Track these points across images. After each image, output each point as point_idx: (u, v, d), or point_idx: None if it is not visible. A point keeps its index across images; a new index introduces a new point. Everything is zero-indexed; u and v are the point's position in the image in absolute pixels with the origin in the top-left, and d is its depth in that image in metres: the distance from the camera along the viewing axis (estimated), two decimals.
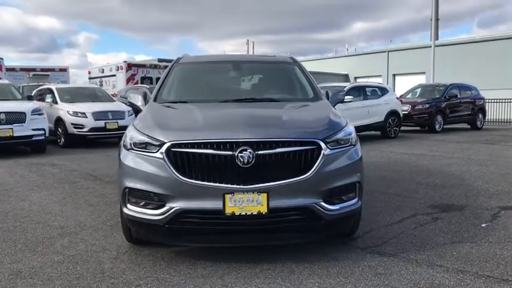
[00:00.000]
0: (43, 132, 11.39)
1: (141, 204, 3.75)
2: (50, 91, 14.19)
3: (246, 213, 3.52)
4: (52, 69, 20.93)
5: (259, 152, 3.53)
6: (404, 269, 3.65)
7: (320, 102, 4.77)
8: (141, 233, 3.97)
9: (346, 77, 40.94)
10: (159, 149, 3.63)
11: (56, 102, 13.53)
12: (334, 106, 5.25)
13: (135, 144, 3.81)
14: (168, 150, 3.60)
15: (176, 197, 3.58)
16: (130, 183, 3.77)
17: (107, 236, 4.62)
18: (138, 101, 5.16)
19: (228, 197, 3.50)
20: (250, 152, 3.50)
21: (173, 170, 3.56)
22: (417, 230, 4.70)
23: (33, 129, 11.19)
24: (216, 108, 4.48)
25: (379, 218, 5.15)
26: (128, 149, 3.86)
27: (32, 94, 14.24)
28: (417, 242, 4.29)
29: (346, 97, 12.50)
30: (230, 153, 3.51)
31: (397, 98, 15.28)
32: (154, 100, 4.88)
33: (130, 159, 3.80)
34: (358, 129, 13.43)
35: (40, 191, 6.93)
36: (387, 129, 14.38)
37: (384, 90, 14.72)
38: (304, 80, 5.21)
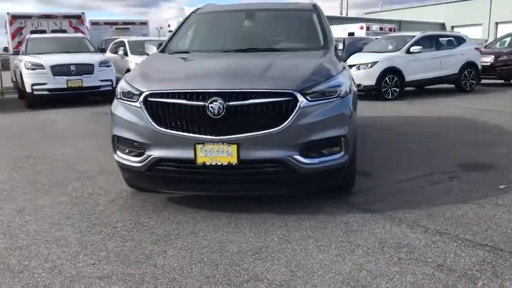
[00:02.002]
0: (110, 83, 12.02)
1: (126, 151, 3.91)
2: (122, 44, 14.84)
3: (216, 164, 3.55)
4: (132, 23, 21.75)
5: (230, 103, 3.50)
6: (380, 228, 3.50)
7: (323, 51, 4.54)
8: (129, 179, 4.16)
9: (442, 26, 38.35)
10: (138, 99, 3.72)
11: (127, 55, 14.15)
12: (349, 56, 5.00)
13: (122, 93, 3.94)
14: (145, 100, 3.69)
15: (153, 145, 3.69)
16: (118, 132, 3.93)
17: (117, 181, 4.86)
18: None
19: (199, 147, 3.54)
20: (220, 103, 3.48)
21: (149, 119, 3.66)
22: (424, 188, 4.44)
23: (101, 80, 11.87)
24: (208, 58, 4.47)
25: (391, 174, 4.92)
26: (117, 99, 4.01)
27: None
28: (414, 201, 4.06)
29: (413, 47, 11.88)
30: (201, 103, 3.52)
31: (476, 48, 14.02)
32: (162, 51, 4.96)
33: (117, 108, 3.95)
34: (428, 81, 12.83)
35: (88, 139, 7.41)
36: (462, 82, 13.35)
37: (460, 40, 13.57)
38: (318, 29, 4.97)
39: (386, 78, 11.82)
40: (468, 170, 5.05)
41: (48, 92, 11.27)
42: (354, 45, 4.98)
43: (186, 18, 5.46)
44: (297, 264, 2.96)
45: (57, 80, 11.23)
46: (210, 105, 3.49)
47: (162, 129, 3.62)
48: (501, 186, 4.43)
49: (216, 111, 3.48)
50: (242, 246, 3.25)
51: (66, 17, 16.89)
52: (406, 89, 12.67)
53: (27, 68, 11.29)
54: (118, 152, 3.99)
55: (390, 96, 11.90)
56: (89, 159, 5.96)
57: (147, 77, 3.96)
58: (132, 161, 3.85)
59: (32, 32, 15.58)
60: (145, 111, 3.68)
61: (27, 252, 3.21)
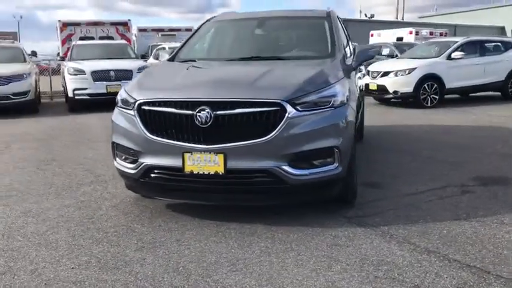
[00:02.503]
0: None
1: (122, 158, 4.00)
2: (163, 50, 15.19)
3: (203, 173, 3.56)
4: (178, 29, 22.25)
5: (218, 113, 3.50)
6: (367, 243, 3.39)
7: (328, 59, 4.44)
8: (128, 185, 4.24)
9: (501, 30, 36.75)
10: (134, 107, 3.80)
11: None
12: (361, 63, 4.88)
13: (120, 101, 4.03)
14: (138, 108, 3.76)
15: (145, 153, 3.75)
16: (116, 139, 4.03)
17: None
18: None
19: (187, 155, 3.56)
20: (208, 112, 3.49)
21: (142, 127, 3.72)
22: (430, 203, 4.25)
23: None
24: (208, 67, 4.50)
25: (403, 187, 4.75)
26: (116, 107, 4.11)
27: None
28: (414, 216, 3.90)
29: (454, 53, 11.42)
30: (190, 112, 3.54)
31: None
32: (171, 59, 5.03)
33: (116, 116, 4.05)
34: (471, 89, 12.28)
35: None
36: (508, 90, 12.71)
37: (508, 45, 12.92)
38: (328, 37, 4.87)
39: (425, 85, 11.42)
40: (487, 184, 4.80)
41: (88, 97, 11.70)
42: (365, 53, 4.85)
43: (200, 27, 5.52)
44: (268, 278, 2.91)
45: (97, 85, 11.64)
46: (198, 114, 3.51)
47: (154, 137, 3.67)
48: None
49: (203, 120, 3.50)
50: (221, 256, 3.23)
51: (113, 24, 17.50)
52: (448, 96, 12.19)
53: (69, 74, 11.79)
54: (117, 158, 4.09)
55: (429, 104, 11.49)
56: (108, 163, 6.10)
57: (143, 86, 4.03)
58: (128, 167, 3.92)
59: (81, 38, 16.27)
60: (138, 119, 3.75)
61: (16, 254, 3.34)
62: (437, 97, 11.56)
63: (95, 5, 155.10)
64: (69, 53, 13.35)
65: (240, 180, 3.61)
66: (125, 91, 4.04)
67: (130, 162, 3.90)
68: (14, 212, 4.26)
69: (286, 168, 3.54)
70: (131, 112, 3.81)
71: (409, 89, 11.39)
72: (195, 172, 3.57)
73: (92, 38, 16.62)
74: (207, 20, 5.63)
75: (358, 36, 32.24)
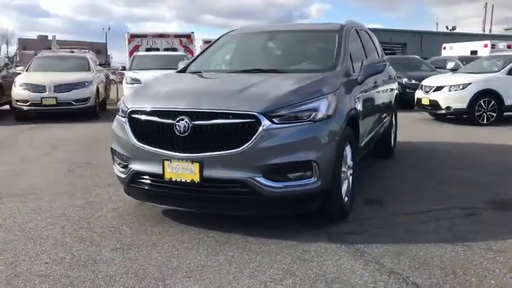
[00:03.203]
0: None
1: (117, 163, 4.23)
2: None
3: (181, 180, 3.68)
4: None
5: (195, 123, 3.62)
6: (333, 260, 3.34)
7: (327, 73, 4.41)
8: (124, 190, 4.45)
9: None
10: (125, 115, 4.02)
11: None
12: (367, 77, 4.79)
13: (119, 110, 4.27)
14: (129, 116, 3.97)
15: (133, 159, 3.95)
16: (113, 145, 4.27)
17: None
18: None
19: (166, 163, 3.71)
20: (186, 122, 3.62)
21: (131, 135, 3.93)
22: (422, 224, 4.08)
23: None
24: (204, 78, 4.63)
25: (405, 206, 4.58)
26: (116, 115, 4.35)
27: None
28: (398, 237, 3.77)
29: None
30: (170, 121, 3.69)
31: None
32: (183, 70, 5.24)
33: (114, 123, 4.29)
34: None
35: None
36: None
37: None
38: (334, 50, 4.83)
39: (481, 102, 10.83)
40: (497, 208, 4.53)
41: None
42: (372, 67, 4.77)
43: (217, 39, 5.68)
44: (216, 287, 2.96)
45: None
46: (177, 123, 3.65)
47: (140, 144, 3.86)
48: None
49: (182, 130, 3.63)
50: (184, 262, 3.33)
51: (176, 36, 18.26)
52: (509, 114, 11.46)
53: (127, 83, 12.48)
54: (115, 163, 4.32)
55: (485, 121, 10.87)
56: None
57: (136, 95, 4.26)
58: (121, 172, 4.15)
59: (147, 49, 17.12)
60: (128, 127, 3.97)
61: (6, 247, 3.64)
62: (494, 114, 10.92)
63: (179, 18, 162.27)
64: (129, 63, 14.11)
65: (215, 190, 3.69)
66: (122, 100, 4.28)
67: (123, 167, 4.11)
68: (26, 208, 4.62)
69: (260, 179, 3.58)
70: (124, 120, 4.03)
71: (463, 105, 10.86)
72: (174, 179, 3.70)
73: (157, 49, 17.45)
74: (225, 33, 5.78)
75: (434, 48, 31.19)
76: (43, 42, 66.98)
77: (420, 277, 3.05)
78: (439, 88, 11.27)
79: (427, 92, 11.50)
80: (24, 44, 79.38)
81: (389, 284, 2.97)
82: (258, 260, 3.35)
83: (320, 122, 3.71)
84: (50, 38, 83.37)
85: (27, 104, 11.65)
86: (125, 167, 4.06)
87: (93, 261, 3.36)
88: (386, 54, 22.53)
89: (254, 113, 3.56)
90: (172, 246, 3.62)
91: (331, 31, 5.18)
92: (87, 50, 19.93)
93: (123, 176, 4.10)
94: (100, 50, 64.35)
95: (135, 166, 3.94)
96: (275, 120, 3.58)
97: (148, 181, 3.92)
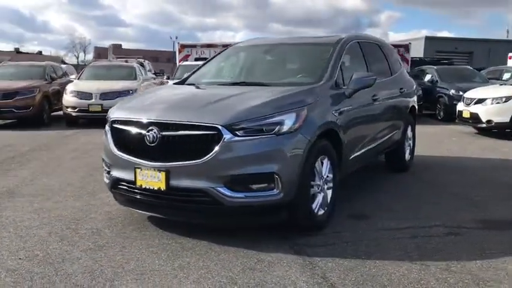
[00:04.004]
0: None
1: (104, 170, 4.50)
2: None
3: (149, 187, 3.89)
4: None
5: (163, 133, 3.82)
6: (282, 271, 3.40)
7: (307, 87, 4.46)
8: (113, 195, 4.70)
9: None
10: (109, 124, 4.30)
11: None
12: (356, 91, 4.78)
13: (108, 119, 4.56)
14: (110, 125, 4.25)
15: (113, 166, 4.22)
16: (102, 153, 4.55)
17: None
18: None
19: (138, 170, 3.93)
20: (155, 132, 3.83)
21: (112, 143, 4.20)
22: (394, 241, 4.02)
23: None
24: (188, 90, 4.83)
25: (386, 221, 4.51)
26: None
27: None
28: (362, 252, 3.75)
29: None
30: (142, 131, 3.92)
31: None
32: (180, 82, 5.48)
33: (104, 132, 4.58)
34: None
35: None
36: None
37: None
38: (324, 64, 4.85)
39: None
40: (483, 228, 4.37)
41: None
42: (360, 81, 4.75)
43: (221, 51, 5.88)
44: None
45: None
46: (147, 133, 3.86)
47: (118, 152, 4.12)
48: (489, 252, 3.76)
49: (151, 140, 3.84)
50: (140, 265, 3.52)
51: (224, 46, 18.64)
52: None
53: None
54: (104, 171, 4.60)
55: None
56: None
57: (121, 105, 4.52)
58: (106, 178, 4.42)
59: (196, 59, 17.63)
60: (110, 135, 4.23)
61: None
62: None
63: (247, 27, 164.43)
64: (174, 72, 14.64)
65: (180, 198, 3.86)
66: (109, 110, 4.56)
67: (107, 174, 4.38)
68: (29, 208, 5.02)
69: (222, 189, 3.71)
70: (107, 129, 4.31)
71: (505, 118, 10.33)
72: (144, 186, 3.92)
73: (206, 59, 17.93)
74: (232, 46, 5.96)
75: (503, 58, 29.65)
76: (116, 51, 70.75)
77: None
78: (480, 101, 10.81)
79: (468, 105, 11.07)
80: (98, 52, 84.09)
81: None
82: (209, 267, 3.47)
83: (284, 136, 3.78)
84: (123, 46, 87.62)
85: (76, 110, 12.45)
86: (108, 173, 4.33)
87: (61, 260, 3.63)
88: (442, 63, 21.69)
89: (216, 125, 3.70)
90: (138, 250, 3.83)
91: (327, 44, 5.20)
92: (142, 60, 20.84)
93: (107, 181, 4.37)
94: (169, 58, 66.91)
95: (115, 173, 4.19)
96: (238, 132, 3.70)
97: (125, 187, 4.15)
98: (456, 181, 6.28)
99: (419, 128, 10.04)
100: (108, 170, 4.35)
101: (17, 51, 78.86)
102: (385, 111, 5.76)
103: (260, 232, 4.12)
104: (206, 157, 3.68)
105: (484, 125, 10.77)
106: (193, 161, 3.72)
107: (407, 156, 6.88)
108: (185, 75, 5.78)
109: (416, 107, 7.25)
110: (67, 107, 12.60)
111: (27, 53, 78.42)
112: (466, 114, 11.12)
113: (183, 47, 18.43)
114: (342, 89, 4.69)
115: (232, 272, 3.38)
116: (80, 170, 7.01)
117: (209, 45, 18.54)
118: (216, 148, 3.67)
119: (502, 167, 7.33)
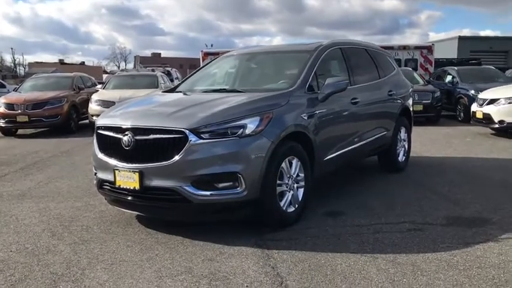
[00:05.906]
0: None
1: (94, 172, 4.93)
2: None
3: (126, 187, 4.28)
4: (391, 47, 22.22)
5: (137, 137, 4.20)
6: (236, 262, 3.71)
7: (276, 92, 4.75)
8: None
9: None
10: (94, 130, 4.73)
11: None
12: (329, 96, 5.02)
13: None
14: (96, 131, 4.67)
15: (98, 168, 4.63)
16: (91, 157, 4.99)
17: None
18: None
19: (116, 172, 4.33)
20: (129, 137, 4.22)
21: (96, 147, 4.62)
22: (357, 236, 4.24)
23: None
24: (169, 97, 5.19)
25: (359, 218, 4.72)
26: None
27: None
28: (320, 246, 4.01)
29: None
30: (119, 136, 4.32)
31: None
32: (169, 90, 5.87)
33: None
34: None
35: None
36: None
37: None
38: (298, 71, 5.11)
39: None
40: (447, 224, 4.52)
41: None
42: (333, 85, 4.98)
43: (212, 60, 6.25)
44: (120, 277, 3.50)
45: None
46: (123, 138, 4.25)
47: (102, 155, 4.53)
48: (442, 245, 3.94)
49: (126, 143, 4.23)
50: (113, 257, 3.90)
51: None
52: None
53: None
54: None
55: None
56: None
57: (105, 113, 4.94)
58: (94, 179, 4.85)
59: None
60: (95, 140, 4.66)
61: None
62: None
63: (283, 31, 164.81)
64: None
65: (151, 196, 4.22)
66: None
67: (95, 175, 4.81)
68: (35, 208, 5.51)
69: (189, 188, 4.05)
70: (94, 135, 4.74)
71: None
72: (122, 186, 4.31)
73: None
74: (224, 55, 6.32)
75: None
76: (155, 59, 72.74)
77: (298, 281, 3.32)
78: (492, 101, 10.72)
79: (481, 105, 11.00)
80: (138, 61, 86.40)
81: (263, 283, 3.28)
82: (173, 259, 3.81)
83: (247, 138, 4.09)
84: (163, 55, 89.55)
85: None
86: (95, 175, 4.75)
87: (46, 251, 4.06)
88: (470, 64, 21.29)
89: (182, 129, 4.05)
90: (117, 244, 4.21)
91: (305, 52, 5.47)
92: (169, 68, 21.54)
93: (95, 182, 4.79)
94: (170, 67, 68.45)
95: (100, 174, 4.61)
96: (203, 135, 4.04)
97: (108, 187, 4.56)
98: (445, 181, 6.38)
99: (434, 129, 10.02)
100: (95, 172, 4.77)
101: (61, 62, 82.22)
102: (368, 114, 5.95)
103: (234, 227, 4.43)
104: (174, 159, 4.04)
105: (496, 126, 10.67)
106: (164, 163, 4.08)
107: (400, 157, 7.01)
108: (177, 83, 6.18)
109: (411, 109, 7.38)
110: (92, 115, 13.25)
111: (71, 64, 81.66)
112: (479, 115, 11.05)
113: (206, 54, 18.99)
114: (315, 94, 4.95)
115: (192, 263, 3.71)
116: (92, 174, 7.48)
117: None
118: (183, 150, 4.02)
119: (501, 167, 7.34)
